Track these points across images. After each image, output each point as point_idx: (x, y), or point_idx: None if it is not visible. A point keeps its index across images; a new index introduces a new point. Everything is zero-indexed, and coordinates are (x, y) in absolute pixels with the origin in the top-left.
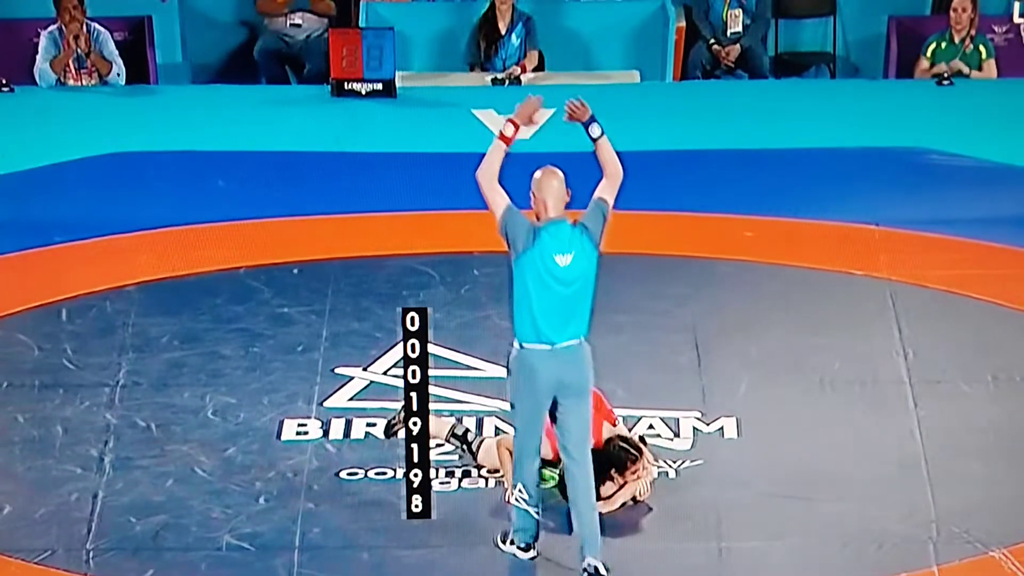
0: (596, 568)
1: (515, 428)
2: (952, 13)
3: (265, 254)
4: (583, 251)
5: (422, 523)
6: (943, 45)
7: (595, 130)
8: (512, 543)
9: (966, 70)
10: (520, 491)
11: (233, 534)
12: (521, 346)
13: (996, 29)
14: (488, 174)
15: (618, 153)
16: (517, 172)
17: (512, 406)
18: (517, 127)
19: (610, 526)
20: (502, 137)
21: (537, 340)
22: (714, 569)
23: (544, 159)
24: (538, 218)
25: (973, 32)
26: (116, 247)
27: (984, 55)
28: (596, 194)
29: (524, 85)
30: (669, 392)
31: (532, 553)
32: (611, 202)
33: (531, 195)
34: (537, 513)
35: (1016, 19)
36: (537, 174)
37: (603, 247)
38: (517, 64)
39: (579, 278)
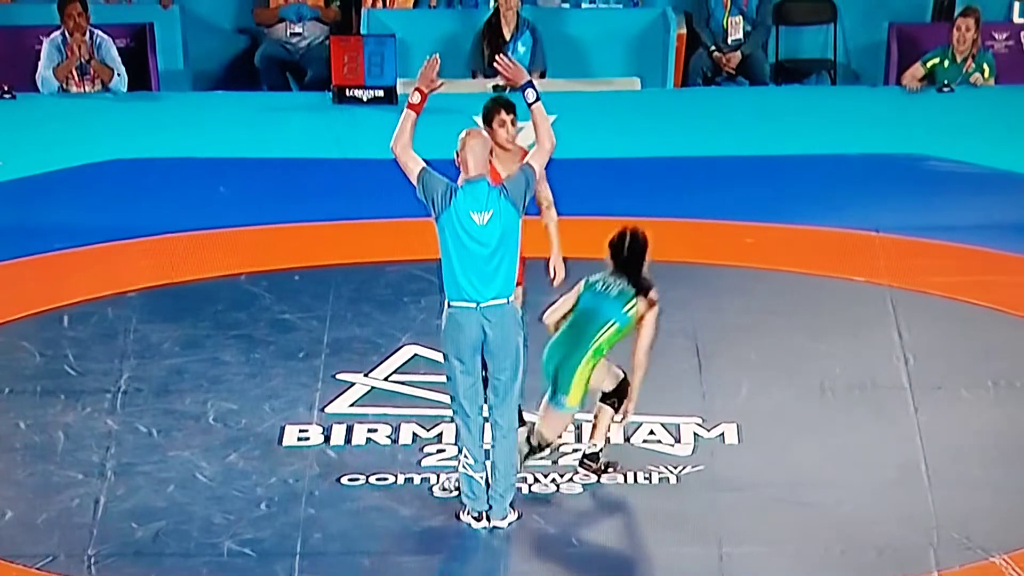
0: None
1: (449, 389)
2: (955, 32)
3: (266, 260)
4: (501, 211)
5: (423, 529)
6: (945, 63)
7: (530, 95)
8: (467, 513)
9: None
10: (465, 456)
11: (234, 540)
12: (449, 304)
13: (996, 36)
14: (401, 142)
15: (619, 159)
16: None
17: (448, 372)
18: (424, 94)
19: (611, 529)
20: (410, 106)
21: (460, 298)
22: (714, 575)
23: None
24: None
25: (975, 51)
26: (117, 253)
27: (986, 74)
28: (525, 159)
29: None
30: (670, 398)
31: (484, 523)
32: (538, 169)
33: (455, 155)
34: (483, 479)
35: (1016, 19)
36: (462, 134)
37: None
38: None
39: (497, 237)
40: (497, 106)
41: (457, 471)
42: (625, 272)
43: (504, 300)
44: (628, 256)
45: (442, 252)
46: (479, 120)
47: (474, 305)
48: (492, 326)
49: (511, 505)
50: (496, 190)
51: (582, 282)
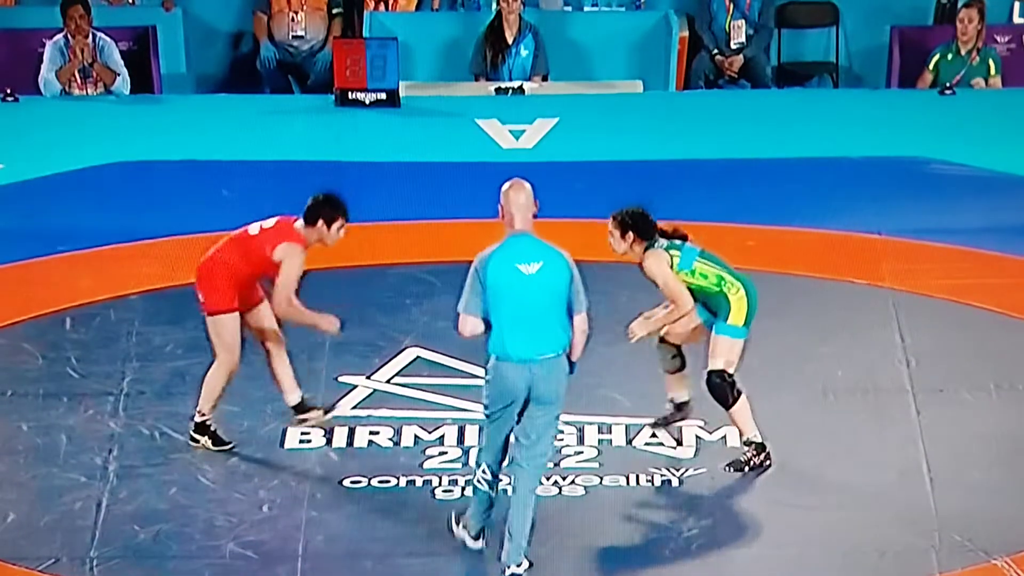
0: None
1: (484, 407)
2: (959, 24)
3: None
4: (552, 263)
5: (425, 531)
6: (949, 56)
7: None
8: (464, 527)
9: (982, 84)
10: (483, 472)
11: (237, 542)
12: (496, 357)
13: (999, 39)
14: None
15: (621, 162)
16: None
17: (485, 408)
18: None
19: (611, 532)
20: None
21: (509, 358)
22: None
23: (544, 166)
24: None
25: (980, 44)
26: (120, 256)
27: (992, 71)
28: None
29: (528, 95)
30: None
31: (480, 544)
32: (583, 308)
33: (499, 207)
34: (493, 497)
35: (1017, 20)
36: (505, 186)
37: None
38: (526, 78)
39: (547, 288)
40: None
41: (471, 483)
42: (662, 233)
43: (555, 354)
44: (652, 220)
45: (491, 308)
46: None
47: (524, 364)
48: (541, 379)
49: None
50: (547, 245)
51: (669, 260)
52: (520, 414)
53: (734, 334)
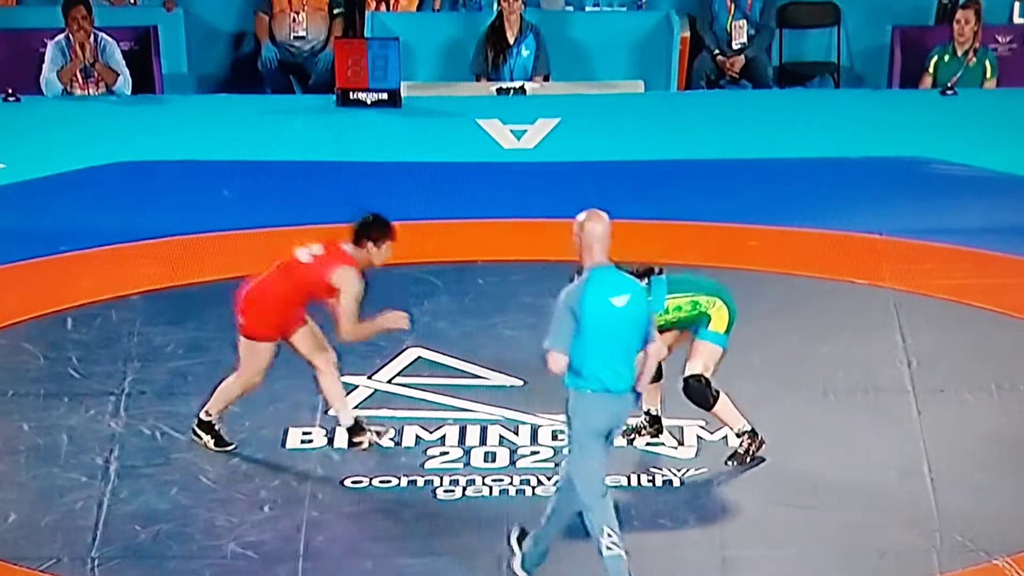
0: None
1: (578, 471)
2: (955, 25)
3: (270, 263)
4: (637, 295)
5: (426, 531)
6: (946, 58)
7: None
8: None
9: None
10: (608, 535)
11: (238, 542)
12: (591, 391)
13: (999, 39)
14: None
15: (623, 162)
16: (518, 179)
17: (575, 447)
18: None
19: None
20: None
21: (600, 387)
22: None
23: (546, 166)
24: (581, 262)
25: (977, 45)
26: (121, 256)
27: (988, 72)
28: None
29: (529, 95)
30: (673, 401)
31: None
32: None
33: (575, 237)
34: (626, 554)
35: (1017, 20)
36: (582, 217)
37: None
38: (527, 78)
39: (633, 320)
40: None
41: (602, 554)
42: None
43: (632, 391)
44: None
45: (578, 344)
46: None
47: (622, 396)
48: (619, 416)
49: None
50: (627, 276)
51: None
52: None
53: (716, 340)
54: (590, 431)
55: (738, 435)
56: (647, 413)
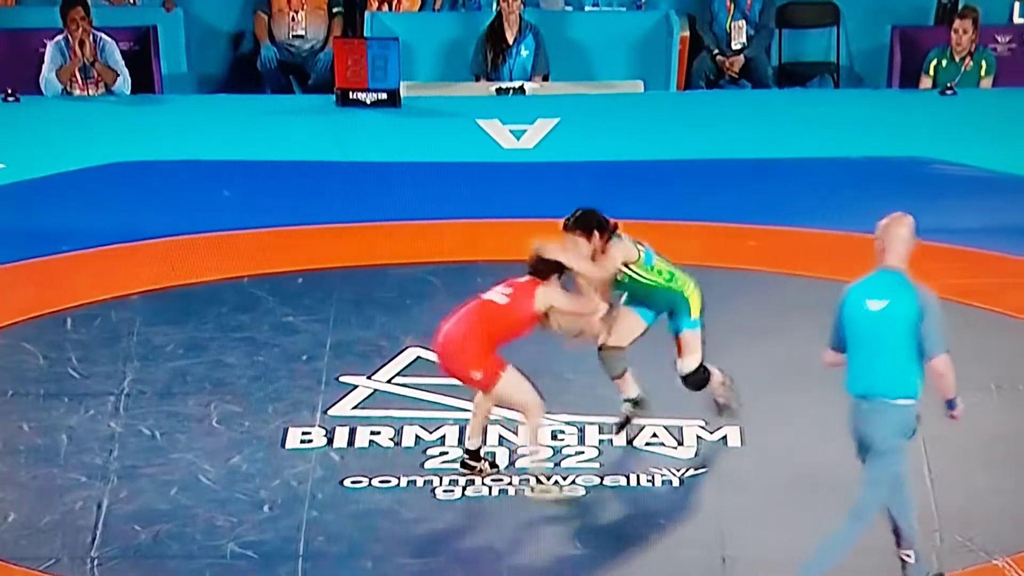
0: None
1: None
2: (953, 35)
3: (269, 263)
4: (901, 302)
5: (426, 532)
6: (943, 63)
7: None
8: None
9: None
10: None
11: (237, 542)
12: (847, 391)
13: (999, 39)
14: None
15: (622, 162)
16: (517, 179)
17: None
18: None
19: (613, 531)
20: None
21: (849, 387)
22: None
23: (545, 166)
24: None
25: (973, 49)
26: (121, 256)
27: (984, 71)
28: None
29: (528, 95)
30: (673, 400)
31: None
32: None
33: (876, 241)
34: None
35: (1017, 20)
36: (885, 220)
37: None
38: (526, 78)
39: (890, 328)
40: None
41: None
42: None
43: (885, 398)
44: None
45: (846, 346)
46: None
47: (855, 401)
48: (865, 421)
49: None
50: (906, 285)
51: (637, 255)
52: None
53: (695, 326)
54: (851, 432)
55: (721, 386)
56: (629, 400)
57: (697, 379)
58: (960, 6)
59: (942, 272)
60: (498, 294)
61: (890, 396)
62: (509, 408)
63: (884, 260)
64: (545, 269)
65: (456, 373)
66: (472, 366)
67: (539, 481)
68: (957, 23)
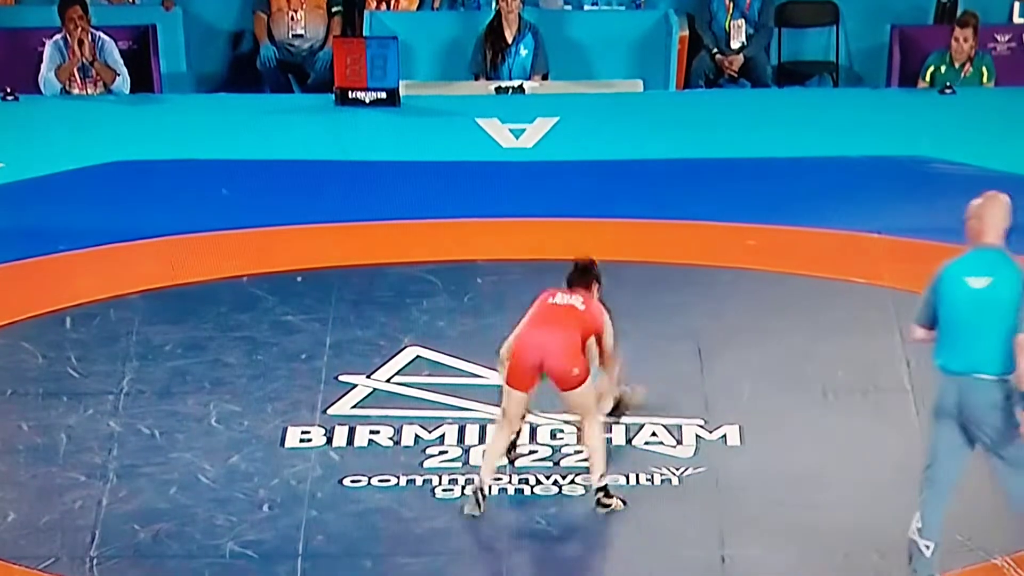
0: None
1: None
2: (954, 43)
3: (269, 262)
4: (1005, 280)
5: (425, 531)
6: (943, 69)
7: None
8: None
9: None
10: (916, 521)
11: (237, 541)
12: (939, 368)
13: (999, 38)
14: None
15: (621, 161)
16: (516, 178)
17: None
18: None
19: (612, 533)
20: None
21: (944, 363)
22: None
23: (545, 165)
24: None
25: (972, 55)
26: (120, 255)
27: (985, 77)
28: None
29: (528, 94)
30: (672, 400)
31: None
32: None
33: (971, 220)
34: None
35: (1017, 20)
36: (979, 200)
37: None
38: (526, 77)
39: (993, 305)
40: None
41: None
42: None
43: (990, 375)
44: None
45: (940, 324)
46: None
47: (954, 379)
48: (969, 400)
49: None
50: (1008, 261)
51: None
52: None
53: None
54: (936, 409)
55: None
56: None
57: (618, 411)
58: (960, 10)
59: None
60: (574, 299)
61: (993, 372)
62: (581, 412)
63: (981, 238)
64: (586, 281)
65: (557, 367)
66: (574, 363)
67: (607, 496)
68: (958, 31)
